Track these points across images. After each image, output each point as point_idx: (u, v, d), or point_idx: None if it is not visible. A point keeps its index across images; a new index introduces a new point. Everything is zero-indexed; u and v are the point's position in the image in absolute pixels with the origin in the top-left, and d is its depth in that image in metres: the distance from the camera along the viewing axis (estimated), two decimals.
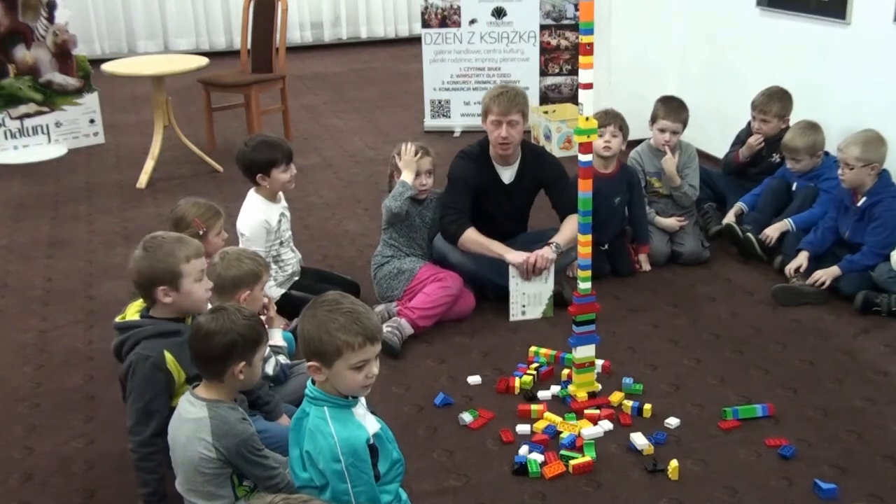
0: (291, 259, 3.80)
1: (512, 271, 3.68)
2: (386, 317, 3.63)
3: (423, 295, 3.63)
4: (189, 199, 3.35)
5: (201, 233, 3.23)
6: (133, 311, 2.67)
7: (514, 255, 3.69)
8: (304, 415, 2.21)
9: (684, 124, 4.29)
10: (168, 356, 2.46)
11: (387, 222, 3.80)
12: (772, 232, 4.16)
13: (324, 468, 2.13)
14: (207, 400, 2.31)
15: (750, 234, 4.18)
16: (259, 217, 3.64)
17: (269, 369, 2.96)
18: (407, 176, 3.74)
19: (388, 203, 3.71)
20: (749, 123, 4.59)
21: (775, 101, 4.44)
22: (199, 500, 2.32)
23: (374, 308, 3.66)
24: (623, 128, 4.09)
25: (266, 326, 3.14)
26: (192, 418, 2.29)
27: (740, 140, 4.63)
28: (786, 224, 4.15)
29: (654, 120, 4.31)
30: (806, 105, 4.41)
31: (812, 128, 4.18)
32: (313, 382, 2.23)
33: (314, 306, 2.19)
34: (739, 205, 4.41)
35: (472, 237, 3.75)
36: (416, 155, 3.76)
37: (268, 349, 2.95)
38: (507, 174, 3.89)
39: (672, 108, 4.27)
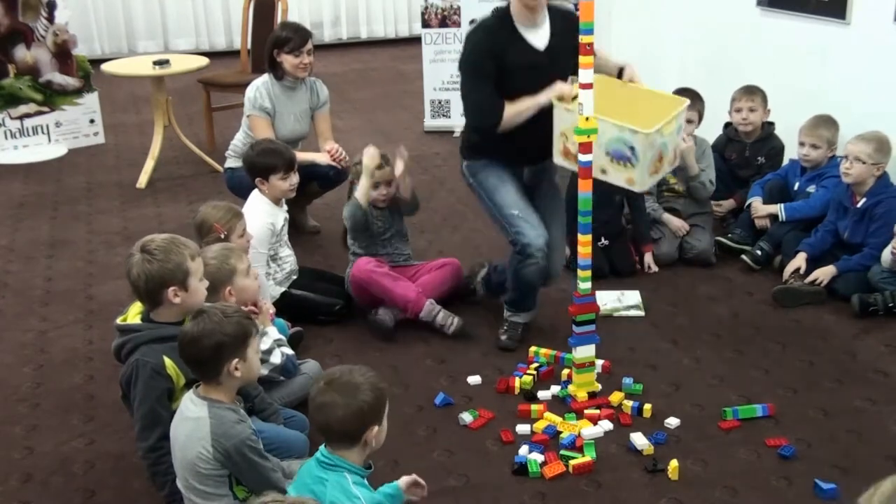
0: (289, 257, 3.79)
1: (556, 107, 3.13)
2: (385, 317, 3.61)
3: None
4: (210, 203, 3.33)
5: (223, 236, 3.19)
6: (135, 312, 2.67)
7: (549, 92, 3.14)
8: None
9: (700, 115, 4.30)
10: (168, 361, 2.47)
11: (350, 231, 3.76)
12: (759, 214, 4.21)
13: None
14: (209, 400, 2.31)
15: (745, 258, 4.14)
16: (265, 219, 3.63)
17: (277, 359, 2.96)
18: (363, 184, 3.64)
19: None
20: (724, 130, 4.61)
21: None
22: (198, 499, 2.32)
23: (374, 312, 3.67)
24: None
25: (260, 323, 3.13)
26: (193, 417, 2.30)
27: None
28: (776, 209, 4.17)
29: None
30: (806, 105, 4.40)
31: (834, 121, 4.18)
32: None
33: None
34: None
35: (508, 112, 3.20)
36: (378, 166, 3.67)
37: (271, 342, 2.96)
38: (540, 38, 3.27)
39: (685, 95, 4.26)
